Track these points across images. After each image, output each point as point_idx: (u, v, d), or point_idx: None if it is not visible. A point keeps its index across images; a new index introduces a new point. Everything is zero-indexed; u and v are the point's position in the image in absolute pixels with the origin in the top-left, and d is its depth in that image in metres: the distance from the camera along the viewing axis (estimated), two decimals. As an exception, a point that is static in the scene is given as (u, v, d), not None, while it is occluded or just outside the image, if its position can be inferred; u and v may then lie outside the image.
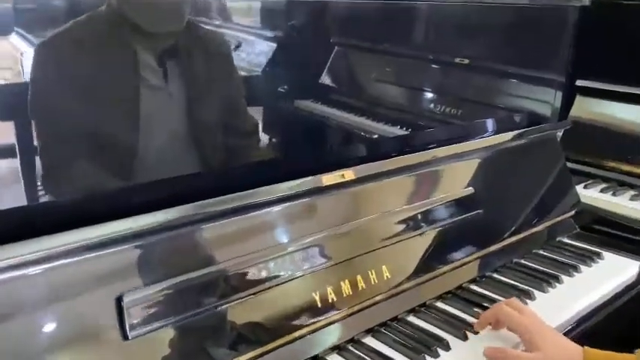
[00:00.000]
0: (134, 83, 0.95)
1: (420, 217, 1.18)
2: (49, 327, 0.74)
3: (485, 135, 1.43)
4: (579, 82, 1.95)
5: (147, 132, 0.97)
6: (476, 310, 1.11)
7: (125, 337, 0.78)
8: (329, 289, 0.98)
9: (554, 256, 1.38)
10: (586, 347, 0.94)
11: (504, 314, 1.01)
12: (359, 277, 1.02)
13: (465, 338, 1.03)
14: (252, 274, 0.91)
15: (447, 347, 1.00)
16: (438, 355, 0.98)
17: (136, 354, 0.78)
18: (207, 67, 1.05)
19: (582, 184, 1.81)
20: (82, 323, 0.77)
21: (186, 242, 0.89)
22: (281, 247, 0.97)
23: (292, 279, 0.95)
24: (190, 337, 0.84)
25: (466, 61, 1.57)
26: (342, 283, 1.00)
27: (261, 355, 0.89)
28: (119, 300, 0.78)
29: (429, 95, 1.54)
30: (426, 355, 0.97)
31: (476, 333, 1.04)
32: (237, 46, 1.10)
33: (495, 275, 1.29)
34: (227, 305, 0.87)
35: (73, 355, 0.76)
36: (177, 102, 1.03)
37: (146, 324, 0.79)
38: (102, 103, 0.92)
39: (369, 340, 1.01)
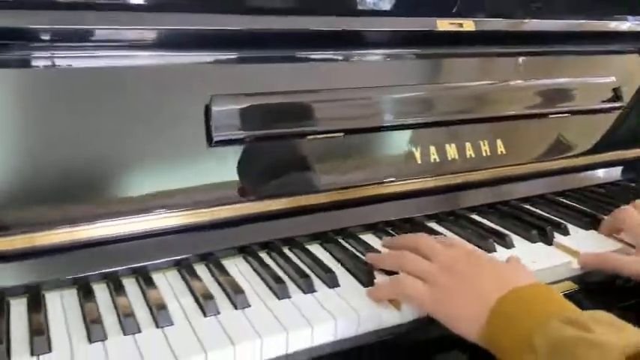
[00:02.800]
0: None
1: (549, 96, 1.01)
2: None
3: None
4: None
5: None
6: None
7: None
8: (432, 149, 0.87)
9: None
10: None
11: (624, 218, 0.81)
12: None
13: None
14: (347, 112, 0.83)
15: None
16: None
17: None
18: None
19: None
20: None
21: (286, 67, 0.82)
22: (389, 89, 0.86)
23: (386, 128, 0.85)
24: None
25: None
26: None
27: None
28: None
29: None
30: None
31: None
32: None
33: (633, 185, 1.09)
34: (319, 136, 0.80)
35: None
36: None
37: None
38: None
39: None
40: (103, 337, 0.57)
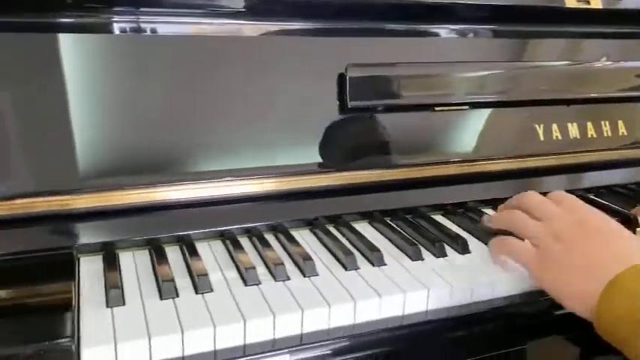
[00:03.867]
0: None
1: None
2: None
3: None
4: None
5: None
6: None
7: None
8: (554, 127, 0.87)
9: None
10: None
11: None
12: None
13: None
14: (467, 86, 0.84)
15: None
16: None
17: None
18: None
19: None
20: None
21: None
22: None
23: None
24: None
25: None
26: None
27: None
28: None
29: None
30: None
31: None
32: None
33: None
34: (446, 108, 0.82)
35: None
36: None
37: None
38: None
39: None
40: (257, 282, 0.61)
